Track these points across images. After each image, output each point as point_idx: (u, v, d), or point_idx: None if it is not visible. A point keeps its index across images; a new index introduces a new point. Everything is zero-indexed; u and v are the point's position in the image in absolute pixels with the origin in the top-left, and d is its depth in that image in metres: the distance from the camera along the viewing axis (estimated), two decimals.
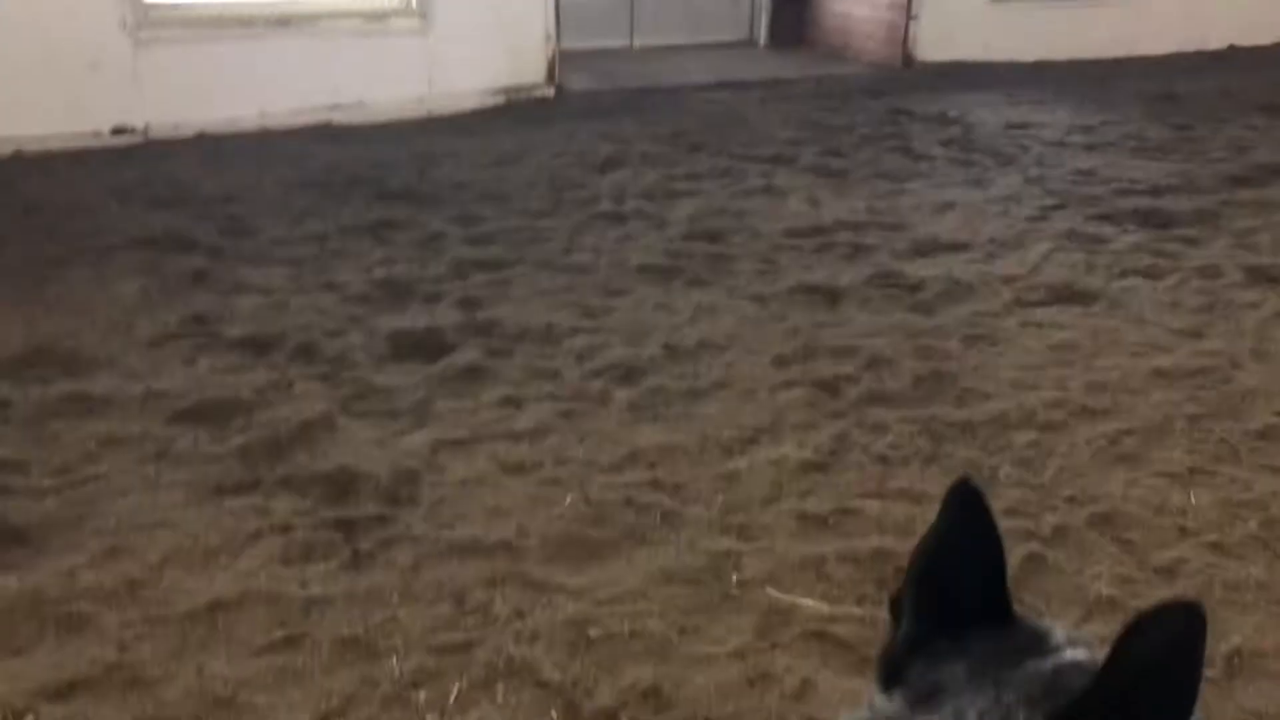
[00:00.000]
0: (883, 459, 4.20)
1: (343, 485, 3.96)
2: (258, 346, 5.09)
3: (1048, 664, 1.13)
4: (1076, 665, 1.12)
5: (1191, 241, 6.64)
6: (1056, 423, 4.45)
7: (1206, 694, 2.53)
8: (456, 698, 2.95)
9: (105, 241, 6.37)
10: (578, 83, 10.73)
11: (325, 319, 5.42)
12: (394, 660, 3.09)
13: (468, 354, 5.03)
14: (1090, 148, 8.94)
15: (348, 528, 3.71)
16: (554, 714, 2.91)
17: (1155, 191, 7.65)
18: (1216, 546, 3.58)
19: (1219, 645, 3.06)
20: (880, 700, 1.16)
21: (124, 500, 3.87)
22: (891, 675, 1.18)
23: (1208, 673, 2.73)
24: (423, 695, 2.97)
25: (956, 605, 1.18)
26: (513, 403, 4.61)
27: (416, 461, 4.11)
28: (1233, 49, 13.27)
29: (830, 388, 4.75)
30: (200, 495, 3.91)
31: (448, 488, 3.96)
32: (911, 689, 1.15)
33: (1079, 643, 1.18)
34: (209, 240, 6.48)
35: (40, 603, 3.30)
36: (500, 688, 3.00)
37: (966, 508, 1.22)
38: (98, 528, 3.69)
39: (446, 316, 5.44)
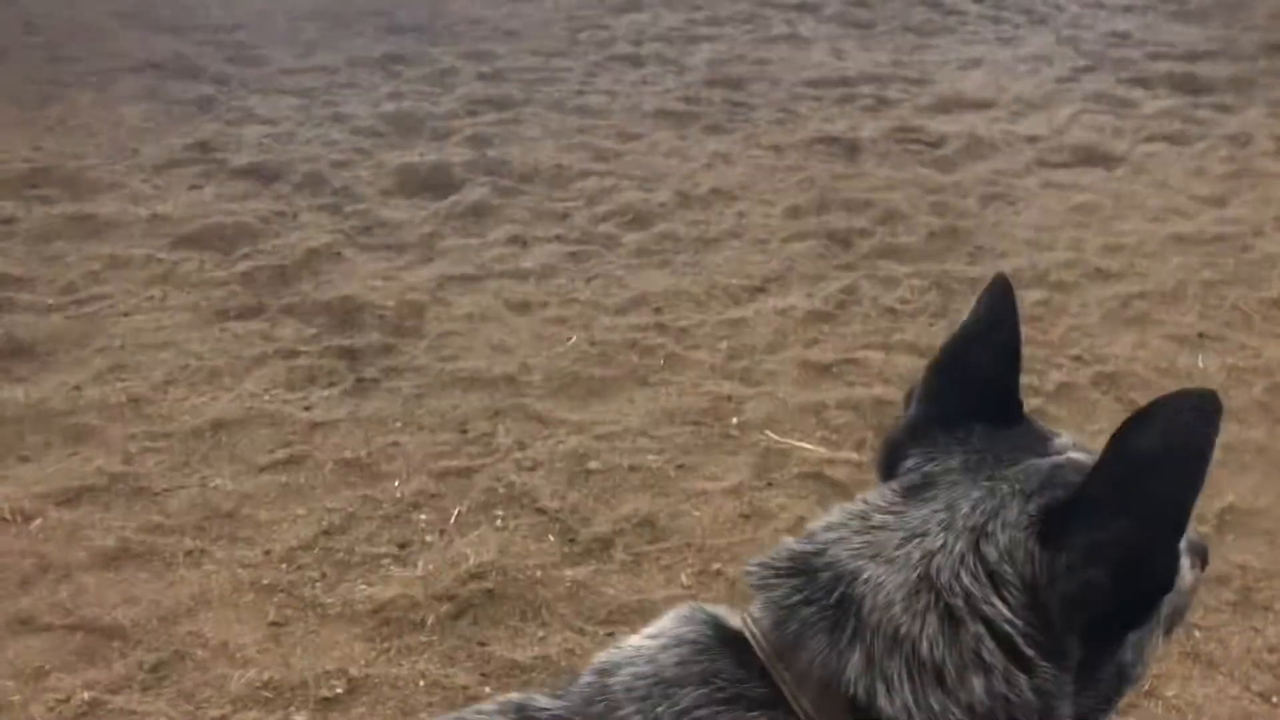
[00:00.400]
0: (890, 312, 4.16)
1: (347, 314, 3.95)
2: (263, 175, 5.02)
3: (1047, 462, 1.11)
4: (1077, 464, 1.10)
5: (1224, 108, 6.44)
6: (1069, 283, 4.39)
7: None
8: (456, 519, 3.00)
9: (109, 64, 6.22)
10: None
11: (332, 151, 5.32)
12: (395, 483, 3.13)
13: (476, 191, 4.95)
14: (1127, 9, 8.61)
15: (351, 356, 3.72)
16: (551, 539, 2.96)
17: (1191, 56, 7.39)
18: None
19: (1213, 503, 3.08)
20: (874, 491, 1.15)
21: (128, 320, 3.87)
22: (889, 464, 1.17)
23: (1200, 527, 2.75)
24: (423, 516, 3.02)
25: (965, 398, 1.16)
26: (520, 242, 4.56)
27: (422, 295, 4.09)
28: None
29: (843, 240, 4.69)
30: (205, 319, 3.91)
31: (452, 322, 3.95)
32: (906, 479, 1.13)
33: (1086, 450, 1.16)
34: (215, 68, 6.32)
35: (47, 414, 3.34)
36: (500, 512, 3.04)
37: (995, 304, 1.19)
38: (102, 346, 3.70)
39: (455, 153, 5.34)
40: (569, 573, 2.85)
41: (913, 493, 1.12)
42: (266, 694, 2.44)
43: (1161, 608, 1.14)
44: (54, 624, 2.60)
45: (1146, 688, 2.49)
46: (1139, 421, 1.00)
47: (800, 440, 3.39)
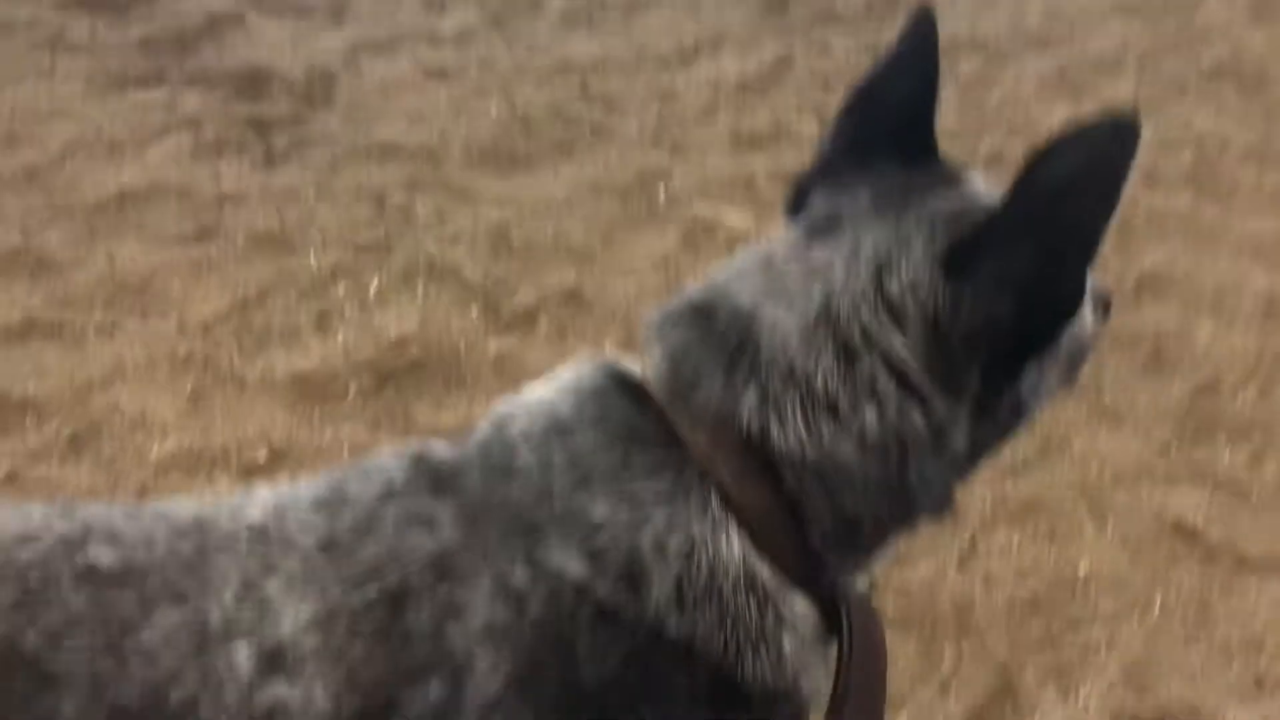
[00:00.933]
0: (825, 81, 4.04)
1: (255, 82, 3.73)
2: None
3: (956, 198, 1.07)
4: (986, 201, 1.07)
5: None
6: (1007, 51, 4.29)
7: (1114, 310, 2.61)
8: (376, 292, 2.94)
9: None
10: None
11: None
12: (311, 255, 3.05)
13: None
14: None
15: (260, 125, 3.54)
16: (474, 311, 2.92)
17: None
18: (1148, 178, 3.57)
19: (1131, 268, 3.12)
20: (779, 231, 1.12)
21: (18, 88, 3.62)
22: (797, 205, 1.13)
23: (1117, 293, 2.80)
24: (341, 288, 2.95)
25: (877, 133, 1.11)
26: (436, 5, 4.30)
27: (333, 61, 3.87)
28: None
29: (779, 5, 4.49)
30: (100, 86, 3.67)
31: (366, 90, 3.76)
32: (811, 218, 1.09)
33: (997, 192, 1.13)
34: None
35: None
36: (420, 284, 2.99)
37: (914, 34, 1.12)
38: None
39: None
40: (493, 343, 2.83)
41: (817, 231, 1.08)
42: (188, 461, 2.43)
43: (1062, 342, 1.13)
44: None
45: (1055, 442, 2.59)
46: (1056, 145, 0.96)
47: (728, 211, 3.34)
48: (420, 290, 2.97)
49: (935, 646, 2.15)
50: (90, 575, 0.97)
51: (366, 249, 3.09)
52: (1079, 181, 0.96)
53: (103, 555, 0.98)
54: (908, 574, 2.27)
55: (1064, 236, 0.97)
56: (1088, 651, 2.16)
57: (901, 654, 2.12)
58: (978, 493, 2.45)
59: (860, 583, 1.17)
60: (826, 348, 1.02)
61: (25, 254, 2.95)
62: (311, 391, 2.64)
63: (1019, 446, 2.57)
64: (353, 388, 2.65)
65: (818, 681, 1.08)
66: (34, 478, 2.37)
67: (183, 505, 1.07)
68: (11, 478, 2.37)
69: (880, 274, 1.03)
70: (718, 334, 1.05)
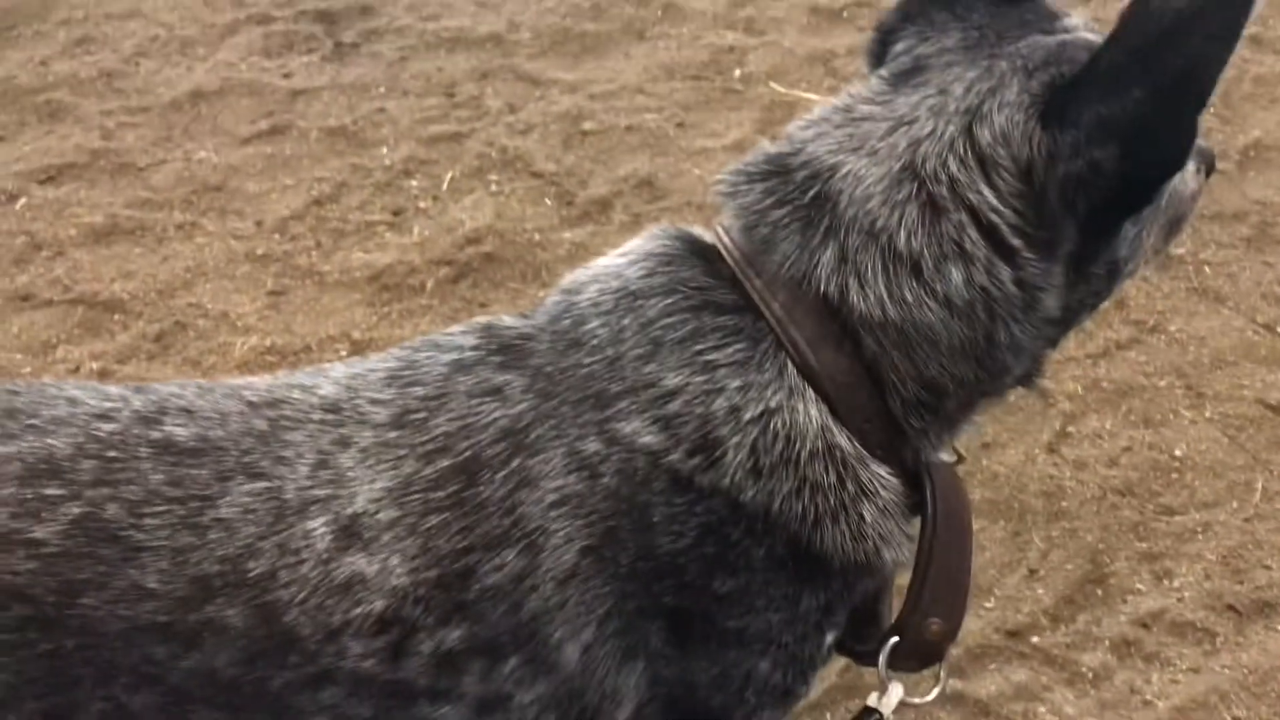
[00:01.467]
0: None
1: None
2: None
3: (1054, 39, 0.99)
4: (1086, 42, 0.99)
5: None
6: None
7: (1215, 183, 2.45)
8: (449, 185, 2.92)
9: None
10: None
11: None
12: (384, 150, 3.02)
13: None
14: None
15: (329, 19, 3.49)
16: (548, 202, 2.88)
17: None
18: (1254, 41, 3.33)
19: (1238, 137, 2.94)
20: (861, 83, 1.05)
21: None
22: (880, 52, 1.06)
23: (1221, 165, 2.63)
24: (415, 183, 2.93)
25: None
26: None
27: None
28: None
29: None
30: None
31: None
32: (896, 65, 1.02)
33: (1098, 32, 1.04)
34: None
35: (16, 93, 3.20)
36: (494, 177, 2.95)
37: None
38: (65, 18, 3.49)
39: None
40: (567, 235, 2.79)
41: (902, 79, 1.01)
42: (271, 358, 2.46)
43: (1164, 199, 1.06)
44: (54, 299, 2.60)
45: (1151, 323, 2.48)
46: None
47: (807, 91, 3.22)
48: (494, 182, 2.94)
49: (1023, 534, 2.11)
50: (167, 449, 0.97)
51: (438, 142, 3.05)
52: (1196, 16, 0.87)
53: (178, 430, 0.98)
54: (995, 460, 2.22)
55: (1176, 78, 0.89)
56: (1183, 538, 2.09)
57: (988, 542, 2.08)
58: (1068, 375, 2.37)
59: (946, 455, 1.13)
60: (911, 202, 0.96)
61: (105, 156, 2.98)
62: (389, 286, 2.64)
63: (1112, 329, 2.49)
64: (429, 282, 2.64)
65: (901, 553, 1.05)
66: (123, 376, 2.42)
67: (255, 382, 1.07)
68: (103, 375, 2.43)
69: (970, 122, 0.96)
70: (794, 191, 1.00)
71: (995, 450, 2.23)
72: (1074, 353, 2.39)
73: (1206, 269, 2.60)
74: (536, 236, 2.78)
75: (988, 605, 1.98)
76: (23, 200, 2.85)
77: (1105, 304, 1.11)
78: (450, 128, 3.10)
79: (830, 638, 1.08)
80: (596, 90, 3.24)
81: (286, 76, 3.27)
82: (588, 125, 3.13)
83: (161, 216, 2.82)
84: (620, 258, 1.11)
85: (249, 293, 2.63)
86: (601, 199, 2.89)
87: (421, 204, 2.88)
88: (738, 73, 3.30)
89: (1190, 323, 2.49)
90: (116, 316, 2.57)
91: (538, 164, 2.99)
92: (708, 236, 1.09)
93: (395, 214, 2.85)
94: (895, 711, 1.17)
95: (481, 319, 1.13)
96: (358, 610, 0.94)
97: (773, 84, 3.25)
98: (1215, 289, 2.57)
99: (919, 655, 1.08)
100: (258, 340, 2.51)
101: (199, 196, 2.88)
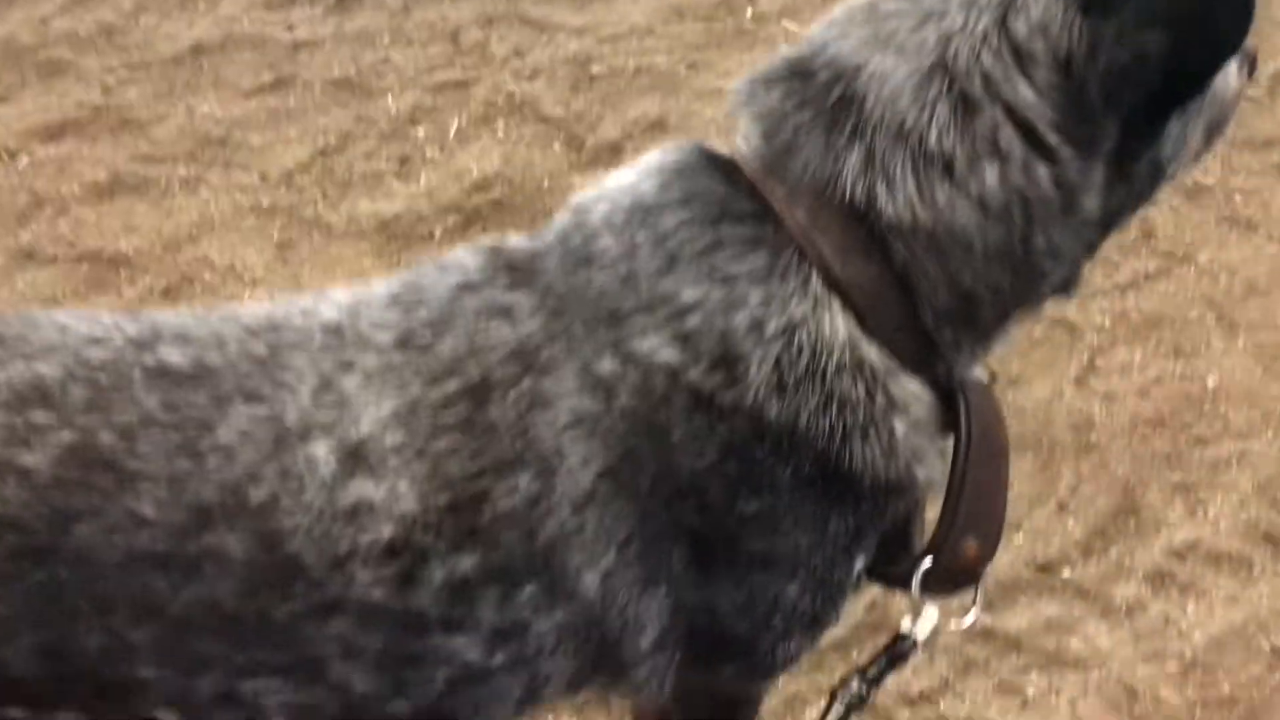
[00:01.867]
0: None
1: None
2: None
3: None
4: None
5: None
6: None
7: (1245, 110, 2.37)
8: (456, 133, 2.86)
9: None
10: None
11: None
12: (389, 99, 2.97)
13: None
14: None
15: None
16: (557, 147, 2.83)
17: None
18: None
19: (1266, 63, 2.84)
20: None
21: None
22: None
23: (1250, 91, 2.55)
24: (421, 131, 2.88)
25: None
26: None
27: None
28: None
29: None
30: None
31: None
32: None
33: None
34: None
35: (16, 51, 3.14)
36: (501, 123, 2.89)
37: None
38: None
39: None
40: (577, 179, 2.73)
41: None
42: None
43: (1207, 96, 1.00)
44: (59, 255, 2.57)
45: (1180, 253, 2.41)
46: None
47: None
48: (501, 128, 2.88)
49: (1052, 467, 2.06)
50: (162, 374, 0.93)
51: (444, 89, 2.99)
52: None
53: (173, 355, 0.94)
54: (1022, 395, 2.16)
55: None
56: (1217, 468, 2.04)
57: (1016, 476, 2.02)
58: (1095, 308, 2.31)
59: (979, 372, 1.08)
60: (942, 99, 0.90)
61: (107, 112, 2.93)
62: (398, 235, 2.60)
63: (1140, 259, 2.42)
64: (439, 230, 2.60)
65: (934, 472, 1.00)
66: None
67: (254, 307, 1.03)
68: None
69: (1005, 12, 0.90)
70: (816, 93, 0.94)
71: (1022, 385, 2.18)
72: (1101, 284, 2.33)
73: (1237, 197, 2.53)
74: (546, 182, 2.72)
75: (1016, 540, 1.93)
76: (24, 158, 2.80)
77: (1147, 206, 1.05)
78: (456, 75, 3.04)
79: (860, 564, 1.04)
80: (605, 33, 3.17)
81: (289, 29, 3.20)
82: (596, 68, 3.06)
83: (165, 171, 2.78)
84: (632, 173, 1.06)
85: (256, 245, 2.59)
86: (612, 143, 2.83)
87: (428, 152, 2.83)
88: (750, 12, 3.22)
89: (1221, 252, 2.42)
90: (123, 272, 2.53)
91: (546, 109, 2.93)
92: (725, 150, 1.04)
93: (402, 163, 2.80)
94: (923, 647, 1.13)
95: (487, 240, 1.08)
96: (365, 537, 0.90)
97: (786, 23, 3.16)
98: (1246, 217, 2.49)
99: (954, 578, 1.04)
100: (265, 292, 2.47)
101: (203, 150, 2.83)
